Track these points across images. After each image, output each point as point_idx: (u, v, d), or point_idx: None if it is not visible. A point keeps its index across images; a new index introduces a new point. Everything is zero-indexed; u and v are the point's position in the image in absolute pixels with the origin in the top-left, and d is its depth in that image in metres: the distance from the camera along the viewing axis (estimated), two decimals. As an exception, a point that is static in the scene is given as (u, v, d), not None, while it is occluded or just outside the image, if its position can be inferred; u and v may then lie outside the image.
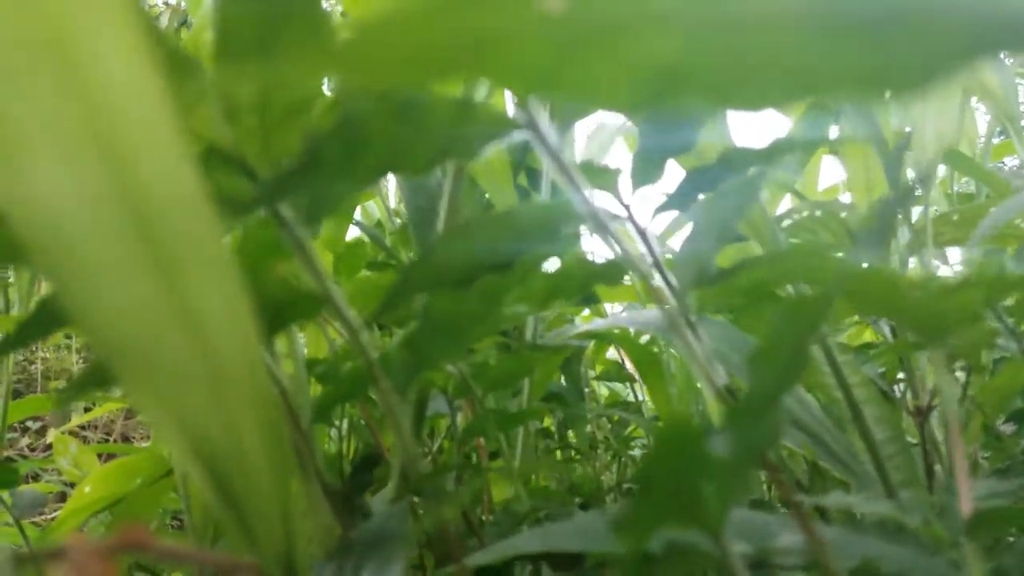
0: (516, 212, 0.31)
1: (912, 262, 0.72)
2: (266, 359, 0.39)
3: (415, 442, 0.59)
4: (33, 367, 3.19)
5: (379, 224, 1.06)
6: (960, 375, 0.71)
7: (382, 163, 0.27)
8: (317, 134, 0.25)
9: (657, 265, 0.37)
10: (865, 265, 0.28)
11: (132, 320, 0.19)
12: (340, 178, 0.26)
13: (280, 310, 0.32)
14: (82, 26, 0.18)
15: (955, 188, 1.13)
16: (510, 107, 0.29)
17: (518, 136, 0.28)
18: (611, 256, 0.34)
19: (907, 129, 0.75)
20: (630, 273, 0.29)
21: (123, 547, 0.21)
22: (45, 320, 0.36)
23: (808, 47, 0.17)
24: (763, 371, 0.25)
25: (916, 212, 0.76)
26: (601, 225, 0.29)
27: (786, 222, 0.86)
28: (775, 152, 0.35)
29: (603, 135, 1.05)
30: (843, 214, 0.72)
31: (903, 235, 0.72)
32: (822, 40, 0.17)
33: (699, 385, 0.90)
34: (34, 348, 3.12)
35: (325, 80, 0.36)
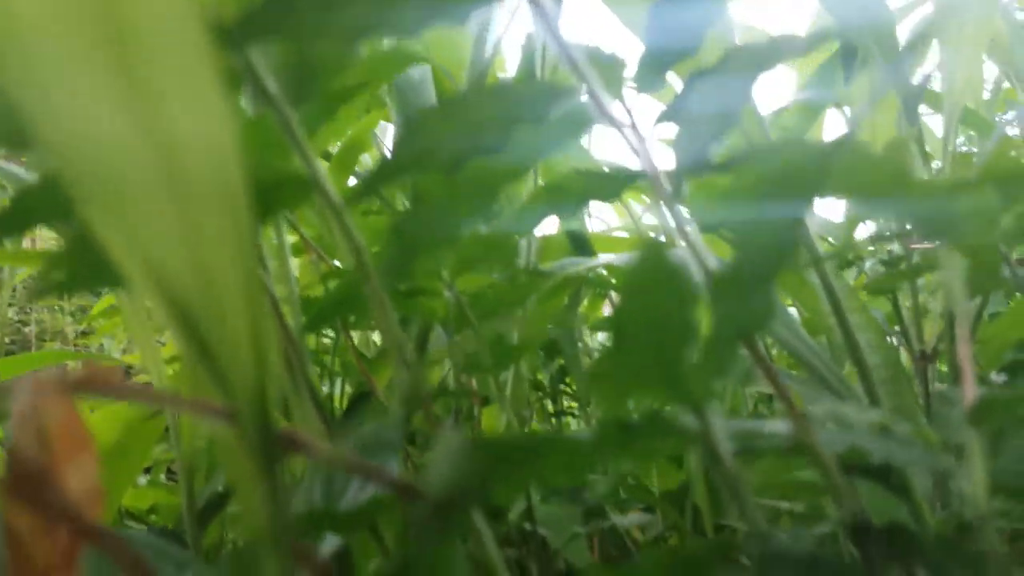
0: (509, 86, 0.30)
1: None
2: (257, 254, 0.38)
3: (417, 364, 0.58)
4: (27, 328, 3.17)
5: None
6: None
7: (361, 21, 0.25)
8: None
9: (656, 177, 0.36)
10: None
11: (99, 135, 0.18)
12: (315, 33, 0.25)
13: (268, 194, 0.31)
14: None
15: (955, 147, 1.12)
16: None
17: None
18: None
19: (920, 78, 0.74)
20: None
21: (84, 385, 0.21)
22: (25, 212, 0.35)
23: None
24: (749, 244, 0.24)
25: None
26: (599, 104, 0.28)
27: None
28: (778, 51, 0.34)
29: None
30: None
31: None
32: None
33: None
34: (28, 309, 3.10)
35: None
